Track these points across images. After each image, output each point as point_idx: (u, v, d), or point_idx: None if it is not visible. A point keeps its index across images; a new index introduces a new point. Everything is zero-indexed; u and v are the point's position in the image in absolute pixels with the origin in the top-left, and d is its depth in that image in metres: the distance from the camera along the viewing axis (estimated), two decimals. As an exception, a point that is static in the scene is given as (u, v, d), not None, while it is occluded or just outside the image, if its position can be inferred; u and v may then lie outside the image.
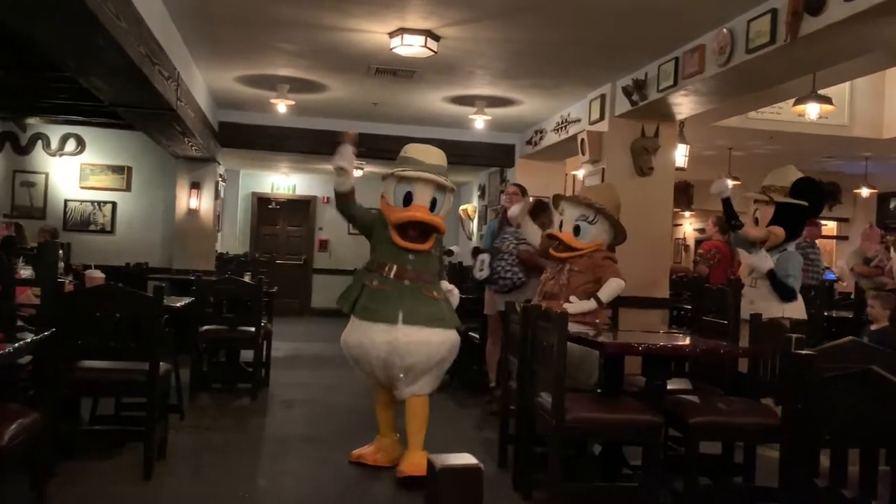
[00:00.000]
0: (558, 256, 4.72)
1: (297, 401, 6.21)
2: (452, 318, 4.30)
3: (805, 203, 5.37)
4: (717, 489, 3.98)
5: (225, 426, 5.39)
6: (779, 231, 5.36)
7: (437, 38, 6.01)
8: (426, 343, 4.13)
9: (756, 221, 5.46)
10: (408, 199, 4.23)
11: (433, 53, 6.10)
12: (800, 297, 5.36)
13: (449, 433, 5.18)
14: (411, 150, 4.41)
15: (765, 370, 3.90)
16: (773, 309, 4.99)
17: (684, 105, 6.57)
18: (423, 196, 4.23)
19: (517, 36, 5.92)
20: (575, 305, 4.47)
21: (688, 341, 4.11)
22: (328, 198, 14.14)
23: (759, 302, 5.06)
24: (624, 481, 4.04)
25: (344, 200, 4.33)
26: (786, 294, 5.22)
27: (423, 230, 4.22)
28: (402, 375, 4.19)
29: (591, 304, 4.54)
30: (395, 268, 4.19)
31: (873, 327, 5.82)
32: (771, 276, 5.24)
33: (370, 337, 4.15)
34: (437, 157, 4.41)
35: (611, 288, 4.58)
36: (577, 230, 4.71)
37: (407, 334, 4.11)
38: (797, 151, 10.20)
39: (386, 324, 4.13)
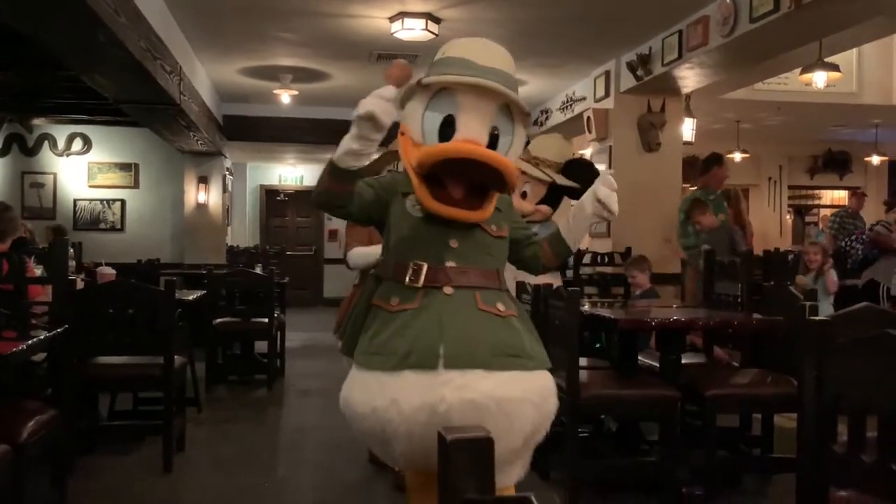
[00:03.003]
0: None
1: (313, 390, 6.23)
2: (535, 348, 2.34)
3: (578, 186, 4.73)
4: (736, 461, 3.97)
5: (242, 417, 5.41)
6: (547, 211, 4.91)
7: (437, 20, 5.98)
8: (501, 402, 2.21)
9: (524, 195, 4.83)
10: (447, 130, 2.25)
11: (434, 36, 6.07)
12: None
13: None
14: (455, 48, 2.36)
15: (778, 340, 3.88)
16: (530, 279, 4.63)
17: (690, 78, 6.53)
18: (475, 121, 2.25)
19: (519, 15, 5.88)
20: None
21: (701, 314, 4.09)
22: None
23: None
24: (641, 457, 4.04)
25: (340, 188, 2.23)
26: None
27: (477, 181, 2.24)
28: None
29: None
30: (424, 267, 2.26)
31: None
32: None
33: (392, 397, 2.21)
34: (499, 57, 2.36)
35: None
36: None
37: (459, 388, 2.18)
38: (806, 121, 10.14)
39: (417, 371, 2.20)
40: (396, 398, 2.21)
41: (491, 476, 0.70)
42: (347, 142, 2.15)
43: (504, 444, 2.17)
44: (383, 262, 2.41)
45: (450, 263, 2.26)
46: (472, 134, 2.23)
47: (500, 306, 2.29)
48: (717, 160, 6.76)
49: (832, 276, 5.57)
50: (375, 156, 2.72)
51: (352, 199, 2.26)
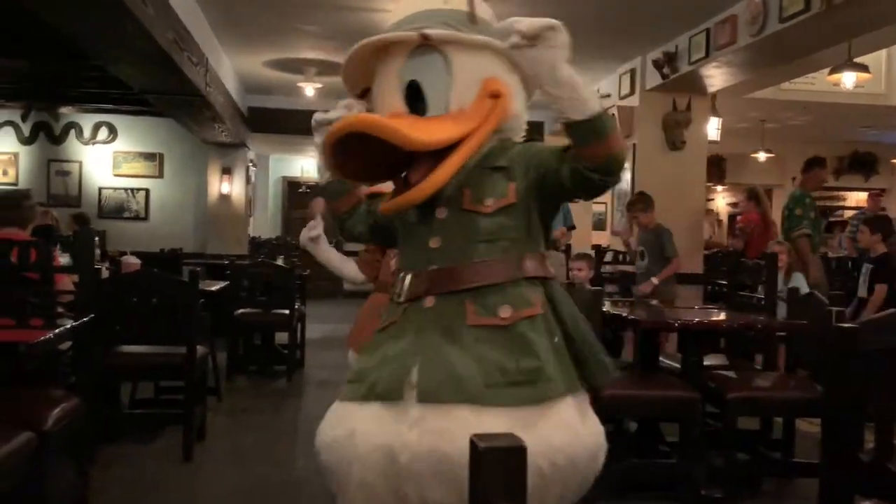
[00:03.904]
0: None
1: (332, 381, 6.24)
2: (558, 365, 1.77)
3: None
4: (756, 464, 3.94)
5: (262, 407, 5.44)
6: None
7: (463, 15, 5.96)
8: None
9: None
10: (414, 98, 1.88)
11: (460, 31, 6.05)
12: None
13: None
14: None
15: (803, 344, 3.84)
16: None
17: (716, 77, 6.47)
18: (382, 86, 1.92)
19: (543, 11, 5.81)
20: None
21: (723, 316, 4.06)
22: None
23: None
24: (660, 458, 4.02)
25: (332, 206, 2.16)
26: None
27: (392, 155, 1.77)
28: None
29: None
30: (407, 277, 1.87)
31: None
32: None
33: (351, 428, 1.78)
34: None
35: None
36: None
37: (433, 433, 1.65)
38: (832, 122, 10.02)
39: (383, 403, 1.76)
40: (355, 429, 1.74)
41: (523, 487, 0.69)
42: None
43: None
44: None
45: (432, 267, 1.80)
46: (382, 102, 1.89)
47: (505, 311, 1.72)
48: (819, 162, 6.66)
49: (801, 278, 5.30)
50: None
51: (350, 216, 2.10)
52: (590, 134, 1.66)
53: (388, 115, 1.82)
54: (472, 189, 1.79)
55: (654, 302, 4.90)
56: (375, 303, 2.89)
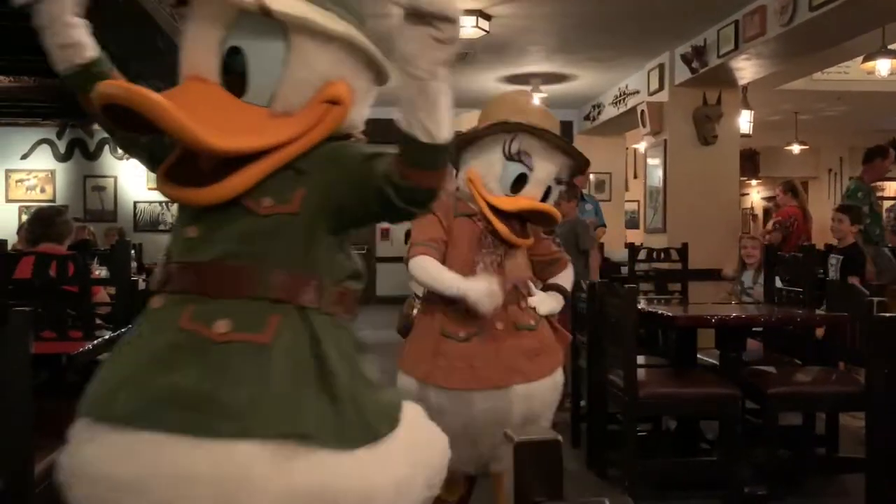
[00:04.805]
0: (520, 243, 2.56)
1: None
2: (273, 405, 1.32)
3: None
4: (799, 461, 3.88)
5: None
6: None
7: (488, 17, 5.96)
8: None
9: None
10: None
11: (485, 33, 6.05)
12: None
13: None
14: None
15: (843, 337, 3.78)
16: None
17: (747, 69, 6.39)
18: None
19: (570, 8, 5.83)
20: (543, 303, 2.63)
21: (762, 311, 4.01)
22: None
23: None
24: (701, 456, 3.97)
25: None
26: None
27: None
28: None
29: (559, 301, 2.71)
30: (157, 268, 1.62)
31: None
32: None
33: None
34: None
35: (570, 273, 2.84)
36: (546, 194, 2.60)
37: (87, 463, 1.36)
38: (868, 111, 9.85)
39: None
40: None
41: (559, 478, 0.69)
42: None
43: None
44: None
45: (179, 260, 1.47)
46: (191, 52, 1.53)
47: (225, 325, 1.35)
48: (881, 152, 6.48)
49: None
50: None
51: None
52: (429, 160, 1.39)
53: (189, 76, 1.48)
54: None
55: None
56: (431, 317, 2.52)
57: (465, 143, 2.57)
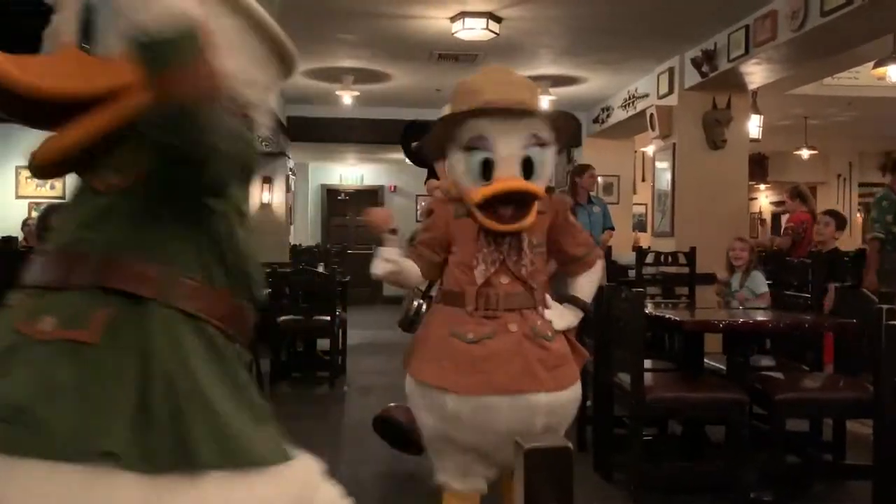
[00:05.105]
0: (505, 229, 2.37)
1: (374, 387, 6.27)
2: (74, 417, 1.14)
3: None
4: (806, 467, 3.87)
5: (305, 414, 5.48)
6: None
7: (498, 19, 5.97)
8: None
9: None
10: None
11: (495, 36, 6.06)
12: None
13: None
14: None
15: (851, 344, 3.77)
16: None
17: (757, 74, 6.38)
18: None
19: (580, 11, 5.83)
20: (560, 317, 2.44)
21: (770, 316, 4.00)
22: (395, 186, 14.28)
23: None
24: (707, 460, 3.97)
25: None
26: None
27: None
28: None
29: (577, 315, 2.50)
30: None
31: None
32: None
33: None
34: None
35: (596, 277, 2.59)
36: (528, 166, 2.34)
37: None
38: (878, 116, 9.81)
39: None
40: None
41: (569, 485, 0.69)
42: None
43: None
44: None
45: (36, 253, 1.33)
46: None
47: (50, 322, 1.19)
48: None
49: (760, 276, 5.03)
50: None
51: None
52: (155, 60, 1.08)
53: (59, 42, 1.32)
54: (97, 153, 1.26)
55: None
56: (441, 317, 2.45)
57: (434, 152, 2.56)
